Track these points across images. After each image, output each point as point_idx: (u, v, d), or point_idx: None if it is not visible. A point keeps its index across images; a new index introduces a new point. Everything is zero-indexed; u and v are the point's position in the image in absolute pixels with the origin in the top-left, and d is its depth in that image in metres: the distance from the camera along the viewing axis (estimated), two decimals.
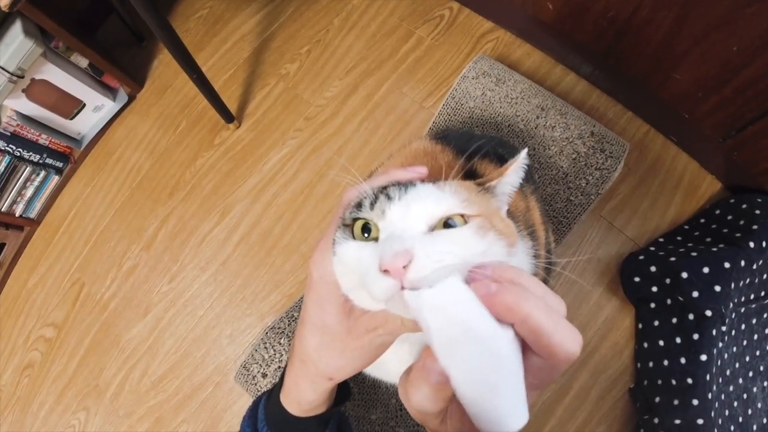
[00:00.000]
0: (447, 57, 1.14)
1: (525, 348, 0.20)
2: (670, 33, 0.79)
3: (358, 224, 0.29)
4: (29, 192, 1.23)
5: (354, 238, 0.29)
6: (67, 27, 1.06)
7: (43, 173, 1.23)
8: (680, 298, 0.86)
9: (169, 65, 1.27)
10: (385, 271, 0.23)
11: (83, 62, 1.17)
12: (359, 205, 0.30)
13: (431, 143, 0.57)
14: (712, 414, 0.81)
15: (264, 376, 0.77)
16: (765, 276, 0.90)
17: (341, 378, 0.32)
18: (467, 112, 0.86)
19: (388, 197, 0.28)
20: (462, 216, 0.27)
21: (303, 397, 0.33)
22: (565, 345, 0.19)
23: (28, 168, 1.19)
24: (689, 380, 0.83)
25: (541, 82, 1.05)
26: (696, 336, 0.84)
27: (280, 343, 0.77)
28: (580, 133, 0.82)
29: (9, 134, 1.12)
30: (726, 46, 0.72)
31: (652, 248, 0.93)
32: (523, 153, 0.32)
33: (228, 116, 1.15)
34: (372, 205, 0.29)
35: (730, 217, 0.92)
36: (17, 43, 0.99)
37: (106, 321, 1.14)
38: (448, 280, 0.21)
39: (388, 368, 0.41)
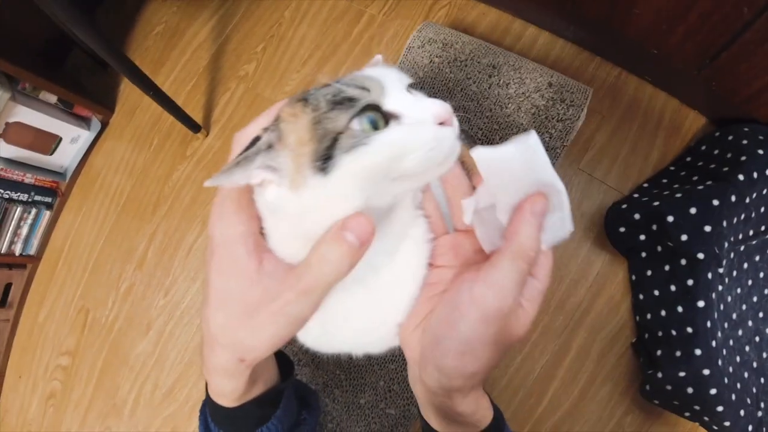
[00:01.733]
0: (401, 31, 1.10)
1: None
2: None
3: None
4: (24, 230, 1.26)
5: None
6: (30, 67, 1.06)
7: (34, 210, 1.26)
8: (670, 244, 0.81)
9: (135, 86, 1.28)
10: (441, 124, 0.25)
11: (52, 98, 1.19)
12: (338, 103, 0.25)
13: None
14: (719, 362, 0.76)
15: None
16: (762, 209, 0.84)
17: (255, 358, 0.27)
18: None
19: (364, 87, 0.25)
20: None
21: (222, 388, 0.30)
22: None
23: (19, 208, 1.23)
24: (689, 329, 0.78)
25: (501, 40, 1.00)
26: (690, 282, 0.79)
27: None
28: (537, 85, 0.78)
29: None
30: None
31: (636, 195, 0.89)
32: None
33: (194, 126, 1.15)
34: (349, 100, 0.24)
35: (716, 152, 0.85)
36: None
37: (114, 342, 1.18)
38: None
39: (326, 337, 0.37)
